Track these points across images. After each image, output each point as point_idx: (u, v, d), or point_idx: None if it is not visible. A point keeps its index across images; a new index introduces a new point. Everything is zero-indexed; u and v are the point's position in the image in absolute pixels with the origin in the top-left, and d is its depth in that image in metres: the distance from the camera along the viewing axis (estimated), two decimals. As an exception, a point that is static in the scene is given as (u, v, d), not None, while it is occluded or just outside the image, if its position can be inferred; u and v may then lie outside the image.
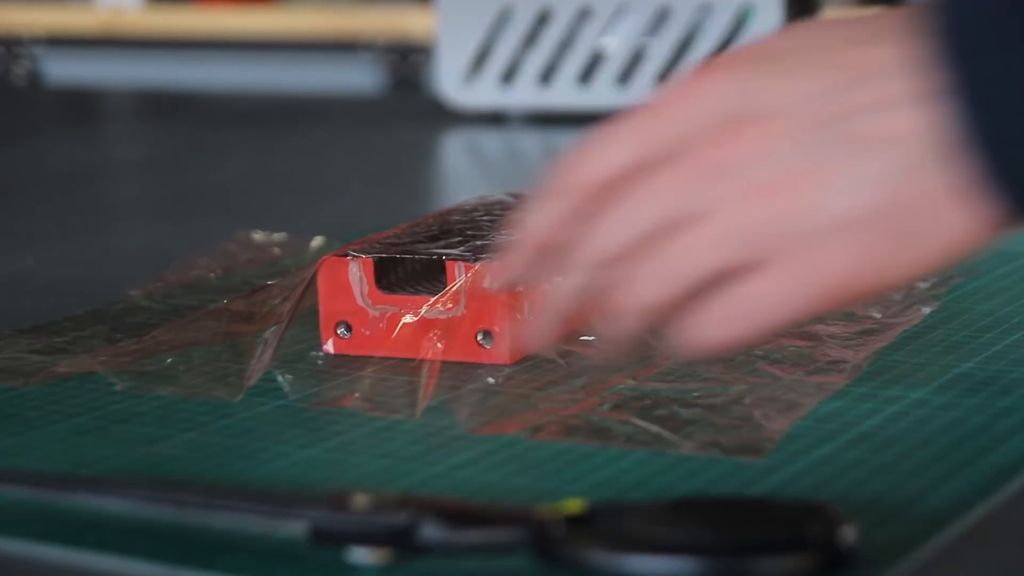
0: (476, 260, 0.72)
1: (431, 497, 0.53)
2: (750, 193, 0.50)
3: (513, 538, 0.51)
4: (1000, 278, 0.88)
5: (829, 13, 1.94)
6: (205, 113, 1.86)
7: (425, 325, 0.73)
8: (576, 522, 0.51)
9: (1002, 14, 0.47)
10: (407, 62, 2.38)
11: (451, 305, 0.72)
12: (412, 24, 2.36)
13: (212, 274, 0.89)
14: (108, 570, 0.52)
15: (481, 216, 0.81)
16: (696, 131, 0.51)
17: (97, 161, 1.51)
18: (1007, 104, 0.46)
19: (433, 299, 0.72)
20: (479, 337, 0.72)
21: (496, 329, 0.72)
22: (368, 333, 0.74)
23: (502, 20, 1.52)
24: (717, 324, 0.52)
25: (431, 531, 0.51)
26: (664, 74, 1.49)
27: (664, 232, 0.51)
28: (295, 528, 0.52)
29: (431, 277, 0.74)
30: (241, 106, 1.92)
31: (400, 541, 0.51)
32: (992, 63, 0.47)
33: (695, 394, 0.67)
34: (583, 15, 1.50)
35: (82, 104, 2.07)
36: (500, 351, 0.72)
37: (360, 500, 0.52)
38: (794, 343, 0.73)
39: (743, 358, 0.71)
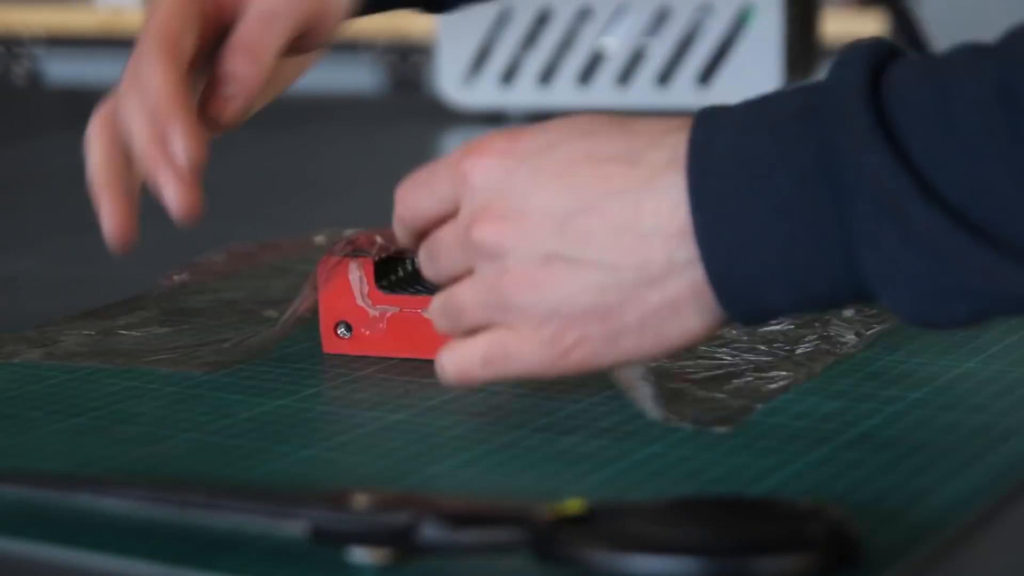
0: None
1: (431, 497, 0.53)
2: (504, 274, 0.59)
3: (513, 538, 0.51)
4: (1000, 278, 0.88)
5: (829, 13, 1.94)
6: (205, 113, 1.86)
7: (426, 325, 0.73)
8: (576, 522, 0.51)
9: (742, 176, 0.56)
10: (407, 62, 2.38)
11: None
12: (412, 24, 2.36)
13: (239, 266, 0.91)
14: (108, 570, 0.52)
15: None
16: (471, 202, 0.60)
17: (97, 161, 1.50)
18: (737, 260, 0.56)
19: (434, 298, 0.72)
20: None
21: None
22: (368, 333, 0.74)
23: (502, 20, 1.52)
24: (470, 361, 0.61)
25: (431, 531, 0.51)
26: (664, 74, 1.49)
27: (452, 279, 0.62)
28: (295, 528, 0.52)
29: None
30: (241, 106, 1.92)
31: (400, 541, 0.51)
32: (725, 212, 0.56)
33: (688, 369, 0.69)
34: (583, 15, 1.50)
35: (82, 104, 2.07)
36: None
37: (360, 500, 0.52)
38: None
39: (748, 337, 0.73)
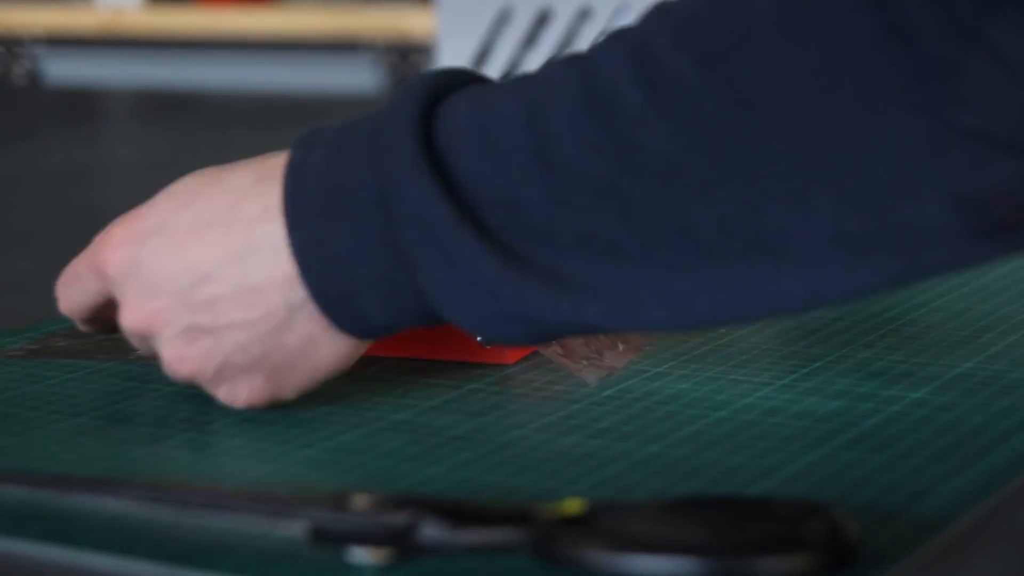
0: None
1: (431, 497, 0.53)
2: (164, 352, 0.65)
3: (513, 538, 0.51)
4: (1000, 278, 0.88)
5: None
6: (205, 113, 1.86)
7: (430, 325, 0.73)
8: (575, 522, 0.51)
9: (329, 196, 0.61)
10: (407, 62, 2.38)
11: None
12: (412, 24, 2.36)
13: None
14: (108, 570, 0.52)
15: None
16: (117, 293, 0.65)
17: (97, 161, 1.51)
18: (332, 279, 0.61)
19: None
20: (479, 337, 0.72)
21: None
22: None
23: (502, 20, 1.52)
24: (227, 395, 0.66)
25: (431, 531, 0.51)
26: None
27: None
28: (295, 528, 0.52)
29: None
30: (241, 106, 1.92)
31: (400, 541, 0.51)
32: (321, 253, 0.61)
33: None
34: (583, 15, 1.50)
35: (82, 104, 2.07)
36: (501, 351, 0.72)
37: (360, 500, 0.52)
38: None
39: None
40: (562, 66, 0.58)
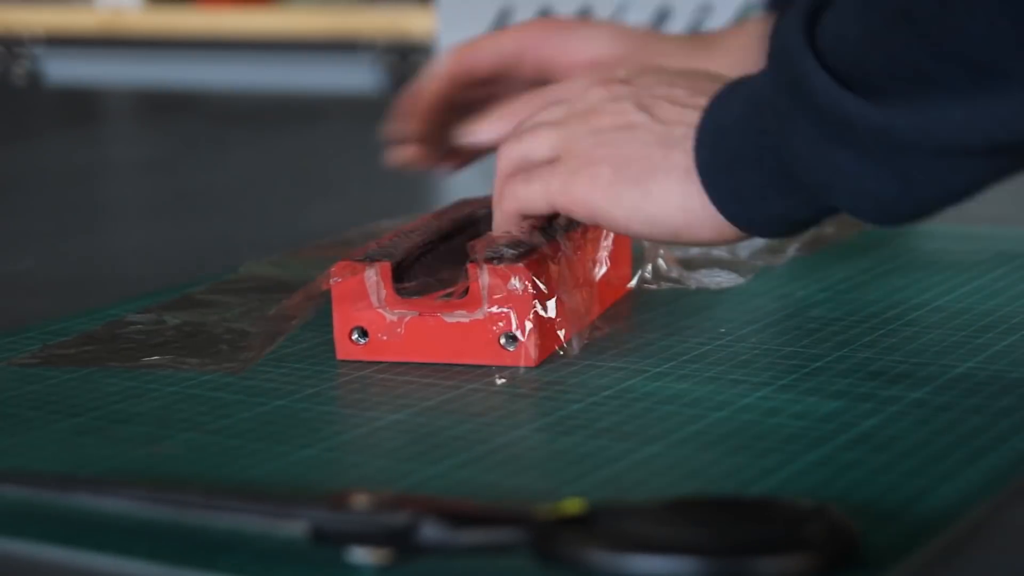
0: (498, 262, 0.72)
1: (431, 497, 0.53)
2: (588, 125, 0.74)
3: (513, 538, 0.51)
4: (1000, 278, 0.88)
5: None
6: (205, 113, 1.86)
7: (446, 329, 0.72)
8: (575, 522, 0.51)
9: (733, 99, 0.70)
10: (407, 62, 2.38)
11: (473, 309, 0.72)
12: (412, 24, 2.37)
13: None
14: (108, 570, 0.52)
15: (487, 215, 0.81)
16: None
17: (97, 161, 1.51)
18: (719, 131, 0.69)
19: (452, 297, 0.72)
20: (502, 340, 0.72)
21: (520, 332, 0.72)
22: (385, 338, 0.73)
23: (502, 20, 1.52)
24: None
25: (431, 531, 0.51)
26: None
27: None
28: (295, 528, 0.52)
29: (449, 280, 0.74)
30: (241, 106, 1.92)
31: (400, 541, 0.51)
32: (714, 118, 0.70)
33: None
34: (583, 15, 1.50)
35: (82, 104, 2.07)
36: (524, 354, 0.72)
37: (360, 500, 0.52)
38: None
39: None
40: None
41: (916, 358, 0.73)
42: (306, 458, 0.62)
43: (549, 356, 0.73)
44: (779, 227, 0.69)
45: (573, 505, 0.52)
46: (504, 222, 0.75)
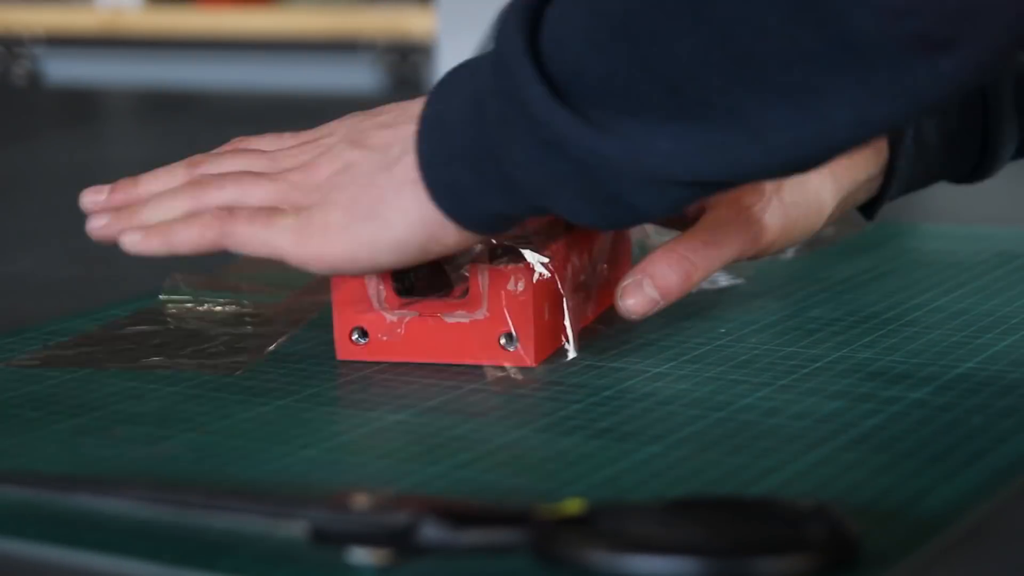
0: (498, 263, 0.72)
1: (431, 497, 0.53)
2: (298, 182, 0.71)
3: (513, 539, 0.51)
4: (1000, 278, 0.88)
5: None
6: (205, 113, 1.86)
7: (446, 330, 0.72)
8: (576, 522, 0.51)
9: (451, 93, 0.67)
10: (407, 62, 2.38)
11: (473, 309, 0.72)
12: (412, 24, 2.37)
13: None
14: (108, 570, 0.52)
15: None
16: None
17: (97, 161, 1.51)
18: (436, 139, 0.67)
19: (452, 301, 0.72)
20: (502, 340, 0.72)
21: (519, 332, 0.72)
22: (385, 339, 0.73)
23: (502, 20, 1.52)
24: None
25: (431, 531, 0.51)
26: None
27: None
28: (295, 528, 0.52)
29: (447, 281, 0.74)
30: (241, 106, 1.92)
31: (400, 541, 0.51)
32: (436, 120, 0.68)
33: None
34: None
35: (82, 104, 2.07)
36: (524, 354, 0.72)
37: (360, 500, 0.52)
38: None
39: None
40: None
41: (916, 358, 0.73)
42: (306, 458, 0.62)
43: (549, 356, 0.73)
44: (494, 224, 0.68)
45: (573, 505, 0.52)
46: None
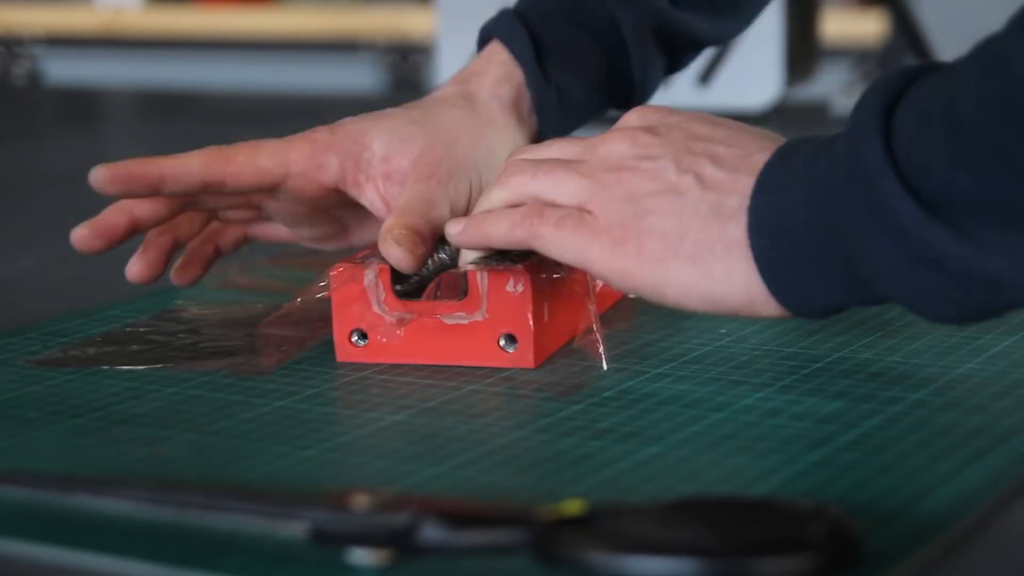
0: (497, 265, 0.71)
1: (431, 498, 0.53)
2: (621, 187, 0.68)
3: (514, 539, 0.51)
4: (1000, 278, 0.88)
5: (829, 13, 1.94)
6: (205, 113, 1.86)
7: (445, 331, 0.72)
8: (576, 523, 0.51)
9: (788, 185, 0.64)
10: (407, 62, 2.39)
11: (472, 310, 0.72)
12: (412, 24, 2.37)
13: None
14: (108, 570, 0.52)
15: None
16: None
17: (97, 161, 1.51)
18: (774, 213, 0.64)
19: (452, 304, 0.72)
20: (501, 342, 0.72)
21: (519, 333, 0.72)
22: (385, 340, 0.73)
23: (502, 20, 1.52)
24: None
25: (431, 532, 0.51)
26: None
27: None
28: (295, 529, 0.52)
29: (449, 282, 0.74)
30: (241, 106, 1.92)
31: (401, 542, 0.51)
32: (770, 202, 0.64)
33: None
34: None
35: (82, 104, 2.07)
36: (523, 355, 0.72)
37: (360, 501, 0.52)
38: None
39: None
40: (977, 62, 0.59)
41: (916, 359, 0.73)
42: (307, 459, 0.62)
43: (549, 357, 0.73)
44: (828, 313, 0.66)
45: (573, 506, 0.52)
46: (490, 244, 0.71)
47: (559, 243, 0.68)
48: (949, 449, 0.61)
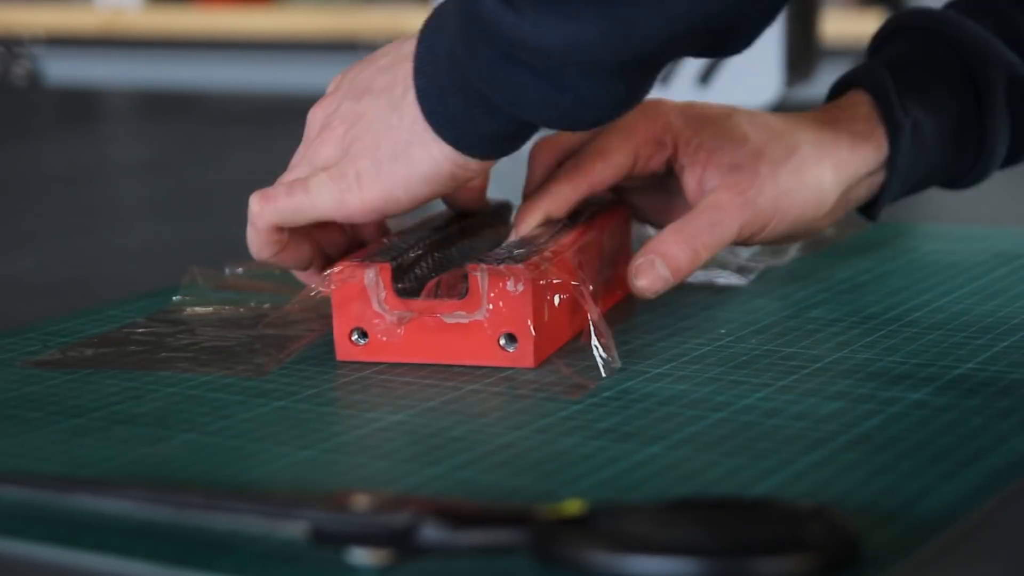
0: (498, 264, 0.71)
1: (431, 497, 0.53)
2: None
3: (513, 539, 0.51)
4: (1000, 279, 0.88)
5: (829, 13, 1.94)
6: (205, 113, 1.86)
7: (445, 330, 0.72)
8: (575, 523, 0.51)
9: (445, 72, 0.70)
10: (407, 62, 2.38)
11: (472, 309, 0.72)
12: (412, 24, 2.36)
13: None
14: (108, 570, 0.52)
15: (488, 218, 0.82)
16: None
17: (97, 161, 1.51)
18: (427, 74, 0.71)
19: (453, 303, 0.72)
20: (501, 341, 0.72)
21: (519, 333, 0.72)
22: (385, 339, 0.73)
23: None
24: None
25: (431, 532, 0.51)
26: (664, 73, 1.49)
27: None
28: (295, 529, 0.52)
29: (449, 281, 0.74)
30: (241, 106, 1.92)
31: (400, 542, 0.51)
32: (427, 57, 0.71)
33: None
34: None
35: (82, 104, 2.07)
36: (523, 355, 0.72)
37: (360, 501, 0.52)
38: None
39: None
40: None
41: (916, 359, 0.73)
42: (306, 459, 0.62)
43: (549, 357, 0.73)
44: (490, 147, 0.71)
45: (573, 506, 0.52)
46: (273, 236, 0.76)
47: (295, 210, 0.74)
48: (949, 450, 0.61)
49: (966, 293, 0.84)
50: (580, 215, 0.80)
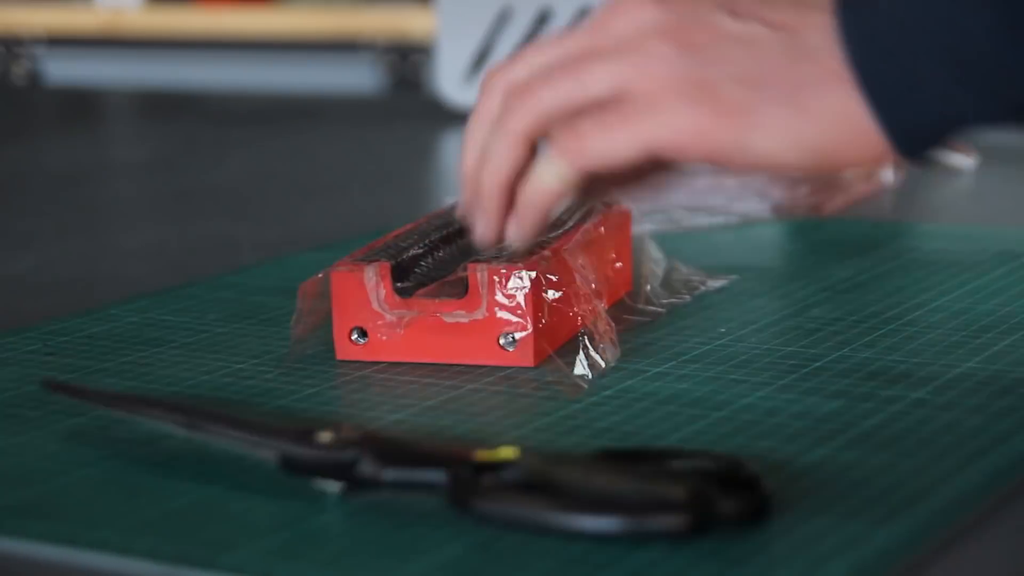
0: (498, 263, 0.71)
1: (380, 432, 0.57)
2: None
3: (431, 480, 0.54)
4: (1000, 278, 0.88)
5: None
6: (205, 113, 1.86)
7: (445, 329, 0.72)
8: (496, 468, 0.53)
9: None
10: (407, 62, 2.38)
11: (472, 309, 0.72)
12: (412, 24, 2.36)
13: None
14: (108, 570, 0.52)
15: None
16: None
17: (97, 161, 1.51)
18: (869, 24, 0.57)
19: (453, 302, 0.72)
20: (501, 341, 0.72)
21: (518, 332, 0.72)
22: (385, 339, 0.73)
23: (502, 20, 1.52)
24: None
25: (366, 467, 0.55)
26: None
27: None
28: (267, 455, 0.57)
29: (449, 280, 0.74)
30: (241, 106, 1.92)
31: (347, 475, 0.55)
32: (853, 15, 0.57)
33: None
34: (583, 15, 1.50)
35: (82, 104, 2.07)
36: (523, 354, 0.72)
37: (324, 436, 0.56)
38: None
39: None
40: None
41: (916, 358, 0.73)
42: (306, 458, 0.62)
43: (548, 356, 0.73)
44: (946, 131, 0.58)
45: (507, 452, 0.54)
46: (549, 185, 0.63)
47: (611, 145, 0.59)
48: (949, 449, 0.61)
49: (966, 292, 0.84)
50: (580, 215, 0.80)
